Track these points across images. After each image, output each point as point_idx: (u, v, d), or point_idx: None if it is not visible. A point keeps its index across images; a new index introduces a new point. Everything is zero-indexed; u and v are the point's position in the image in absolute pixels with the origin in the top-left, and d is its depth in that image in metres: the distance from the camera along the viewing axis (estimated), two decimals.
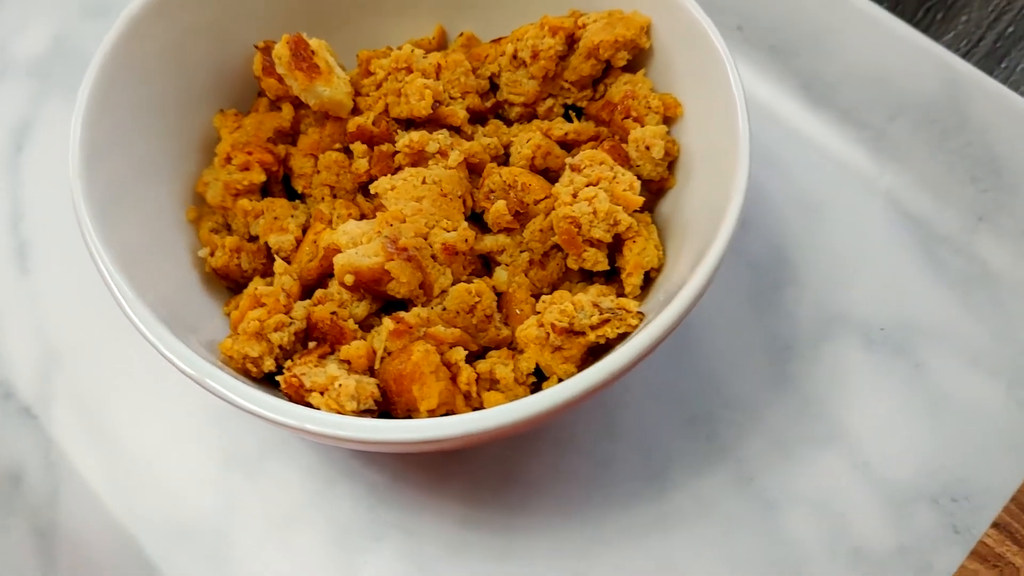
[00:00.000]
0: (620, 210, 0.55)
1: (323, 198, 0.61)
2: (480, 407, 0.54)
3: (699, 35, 0.57)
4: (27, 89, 0.80)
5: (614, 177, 0.56)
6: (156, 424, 0.65)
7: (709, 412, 0.64)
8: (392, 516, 0.62)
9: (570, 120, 0.64)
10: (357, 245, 0.54)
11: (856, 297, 0.68)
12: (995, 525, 0.60)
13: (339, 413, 0.50)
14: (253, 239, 0.60)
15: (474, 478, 0.62)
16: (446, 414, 0.53)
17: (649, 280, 0.58)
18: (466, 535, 0.61)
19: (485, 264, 0.59)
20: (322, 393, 0.50)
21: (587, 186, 0.56)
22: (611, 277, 0.59)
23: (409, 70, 0.61)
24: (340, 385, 0.50)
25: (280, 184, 0.63)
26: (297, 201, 0.62)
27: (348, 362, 0.52)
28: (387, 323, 0.52)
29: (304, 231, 0.60)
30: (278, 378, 0.51)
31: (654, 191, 0.61)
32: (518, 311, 0.56)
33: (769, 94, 0.75)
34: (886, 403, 0.64)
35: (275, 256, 0.59)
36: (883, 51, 0.72)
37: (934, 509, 0.60)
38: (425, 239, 0.55)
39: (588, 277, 0.59)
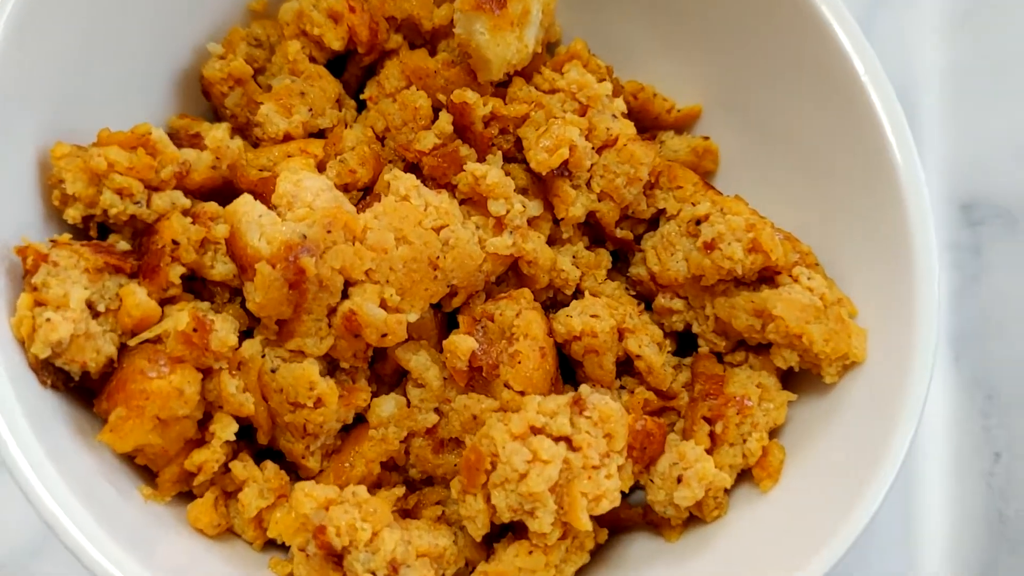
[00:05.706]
0: (548, 500, 0.34)
1: (370, 128, 0.43)
2: (189, 500, 0.37)
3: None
4: None
5: (595, 468, 0.35)
6: None
7: None
8: None
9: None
10: (288, 208, 0.37)
11: None
12: None
13: (21, 341, 0.33)
14: (269, 90, 0.44)
15: None
16: (145, 467, 0.36)
17: None
18: None
19: (400, 378, 0.40)
20: (37, 304, 0.34)
21: (557, 440, 0.35)
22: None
23: (582, 112, 0.41)
24: (49, 320, 0.33)
25: (360, 74, 0.45)
26: (351, 102, 0.45)
27: (120, 301, 0.35)
28: (186, 318, 0.34)
29: (307, 135, 0.42)
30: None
31: (649, 522, 0.40)
32: (347, 464, 0.37)
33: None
34: None
35: (249, 125, 0.42)
36: None
37: None
38: (345, 286, 0.36)
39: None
